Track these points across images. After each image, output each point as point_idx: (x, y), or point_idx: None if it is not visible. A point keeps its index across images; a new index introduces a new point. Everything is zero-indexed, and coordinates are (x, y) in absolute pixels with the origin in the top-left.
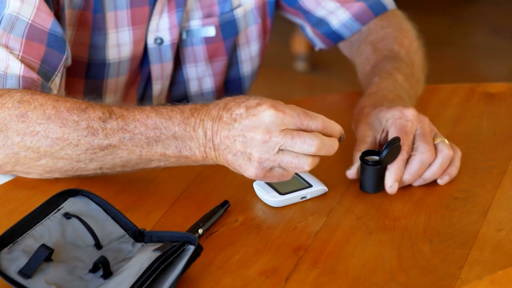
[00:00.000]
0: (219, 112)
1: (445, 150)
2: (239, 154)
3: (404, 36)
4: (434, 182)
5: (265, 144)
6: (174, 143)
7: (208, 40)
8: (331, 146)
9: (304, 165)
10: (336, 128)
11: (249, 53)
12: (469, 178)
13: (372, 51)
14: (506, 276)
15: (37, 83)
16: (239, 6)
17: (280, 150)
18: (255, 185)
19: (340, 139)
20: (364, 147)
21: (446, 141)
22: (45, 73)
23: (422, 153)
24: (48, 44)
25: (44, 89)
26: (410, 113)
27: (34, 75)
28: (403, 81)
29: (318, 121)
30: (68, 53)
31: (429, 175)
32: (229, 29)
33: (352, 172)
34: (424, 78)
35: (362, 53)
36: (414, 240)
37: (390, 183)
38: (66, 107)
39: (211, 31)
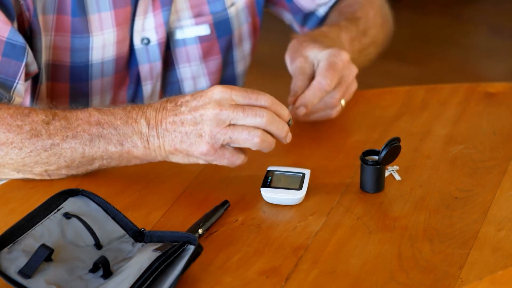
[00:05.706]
0: (162, 104)
1: (331, 111)
2: (189, 133)
3: (371, 7)
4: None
5: (216, 117)
6: (116, 137)
7: (202, 39)
8: (281, 125)
9: (254, 137)
10: (284, 110)
11: (243, 52)
12: (469, 178)
13: (336, 15)
14: (506, 276)
15: None
16: (232, 5)
17: (231, 124)
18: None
19: (288, 124)
20: (303, 78)
21: (342, 103)
22: (3, 83)
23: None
24: (4, 53)
25: (1, 98)
26: (346, 56)
27: None
28: (346, 41)
29: (266, 97)
30: (28, 60)
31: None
32: (223, 27)
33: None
34: (375, 53)
35: (328, 18)
36: (414, 240)
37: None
38: (9, 114)
39: (205, 30)
